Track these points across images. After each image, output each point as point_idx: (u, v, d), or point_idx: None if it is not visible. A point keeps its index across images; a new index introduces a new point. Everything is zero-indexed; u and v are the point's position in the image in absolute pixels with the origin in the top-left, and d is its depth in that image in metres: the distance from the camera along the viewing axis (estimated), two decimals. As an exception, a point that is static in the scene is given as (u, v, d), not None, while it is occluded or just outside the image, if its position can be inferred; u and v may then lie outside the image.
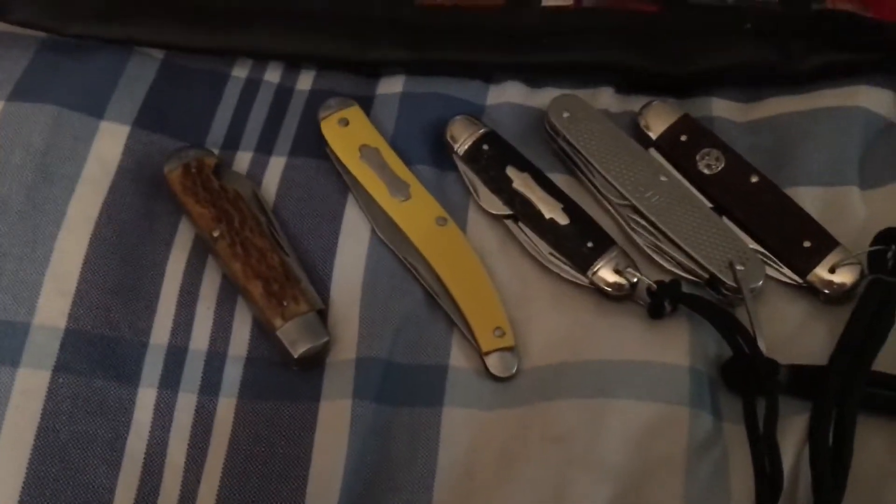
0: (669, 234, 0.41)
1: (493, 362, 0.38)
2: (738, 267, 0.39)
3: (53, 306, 0.37)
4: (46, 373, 0.36)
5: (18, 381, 0.36)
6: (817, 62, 0.44)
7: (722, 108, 0.45)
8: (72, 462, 0.35)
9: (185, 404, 0.37)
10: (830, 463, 0.35)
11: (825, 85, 0.44)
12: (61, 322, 0.37)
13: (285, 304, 0.38)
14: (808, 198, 0.42)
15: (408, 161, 0.43)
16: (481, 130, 0.43)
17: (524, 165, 0.42)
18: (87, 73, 0.43)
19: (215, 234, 0.39)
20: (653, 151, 0.43)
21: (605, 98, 0.46)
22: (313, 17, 0.45)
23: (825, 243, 0.40)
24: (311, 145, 0.43)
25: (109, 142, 0.42)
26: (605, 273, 0.40)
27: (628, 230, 0.42)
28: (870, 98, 0.44)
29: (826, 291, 0.39)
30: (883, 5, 0.45)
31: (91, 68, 0.43)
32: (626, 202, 0.42)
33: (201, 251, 0.40)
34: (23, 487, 0.34)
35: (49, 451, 0.35)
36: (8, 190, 0.40)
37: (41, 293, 0.38)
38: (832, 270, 0.39)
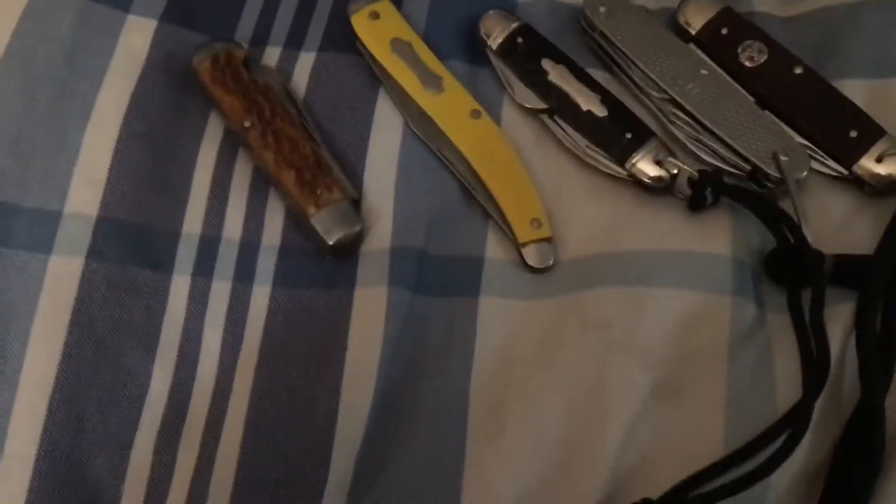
0: (711, 126, 0.39)
1: (529, 253, 0.38)
2: (782, 157, 0.38)
3: (84, 195, 0.37)
4: (79, 259, 0.36)
5: (52, 267, 0.35)
6: (864, -48, 0.43)
7: (763, 3, 0.44)
8: (107, 346, 0.35)
9: (220, 292, 0.37)
10: (878, 349, 0.34)
11: (872, -24, 0.43)
12: (93, 210, 0.37)
13: (318, 192, 0.37)
14: (855, 90, 0.40)
15: (440, 56, 0.41)
16: (515, 24, 0.42)
17: (560, 58, 0.41)
18: (112, -34, 0.42)
19: (246, 124, 0.38)
20: (692, 47, 0.42)
21: (643, -5, 0.44)
22: None
23: (872, 132, 0.39)
24: (342, 40, 0.42)
25: (137, 35, 0.41)
26: (644, 165, 0.39)
27: (668, 124, 0.41)
28: (919, -12, 0.42)
29: (872, 183, 0.38)
30: None
31: (116, -39, 0.42)
32: (665, 96, 0.41)
33: (232, 144, 0.40)
34: (58, 370, 0.34)
35: (84, 334, 0.35)
36: (35, 83, 0.39)
37: (71, 183, 0.37)
38: (879, 160, 0.38)
